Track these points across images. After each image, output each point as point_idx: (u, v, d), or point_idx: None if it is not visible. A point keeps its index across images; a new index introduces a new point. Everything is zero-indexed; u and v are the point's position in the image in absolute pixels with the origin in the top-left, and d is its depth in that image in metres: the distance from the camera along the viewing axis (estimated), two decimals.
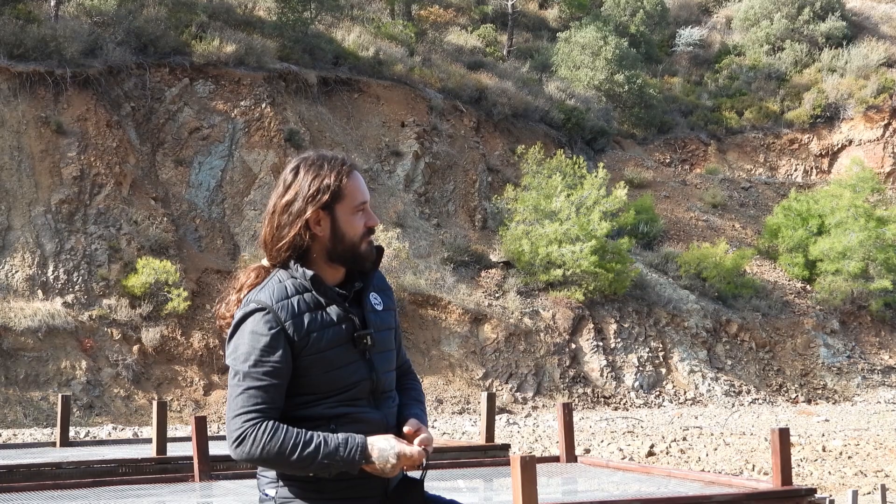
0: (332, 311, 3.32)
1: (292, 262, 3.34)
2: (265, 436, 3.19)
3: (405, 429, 3.36)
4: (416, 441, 3.32)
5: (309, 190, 3.32)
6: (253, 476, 9.31)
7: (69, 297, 26.82)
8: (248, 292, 3.36)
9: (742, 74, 44.78)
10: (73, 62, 29.49)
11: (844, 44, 45.19)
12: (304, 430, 3.22)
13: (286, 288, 3.30)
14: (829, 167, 41.71)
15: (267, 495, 3.35)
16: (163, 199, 29.80)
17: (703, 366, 31.26)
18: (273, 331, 3.24)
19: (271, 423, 3.21)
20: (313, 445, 3.19)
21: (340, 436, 3.23)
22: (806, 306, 34.65)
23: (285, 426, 3.22)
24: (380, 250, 3.44)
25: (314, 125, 32.83)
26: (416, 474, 3.38)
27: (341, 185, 3.33)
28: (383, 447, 3.24)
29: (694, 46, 46.94)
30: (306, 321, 3.27)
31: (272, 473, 3.34)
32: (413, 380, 3.61)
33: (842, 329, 34.40)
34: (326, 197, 3.31)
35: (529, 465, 4.26)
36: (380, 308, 3.45)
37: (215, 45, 31.76)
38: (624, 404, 29.28)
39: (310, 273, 3.31)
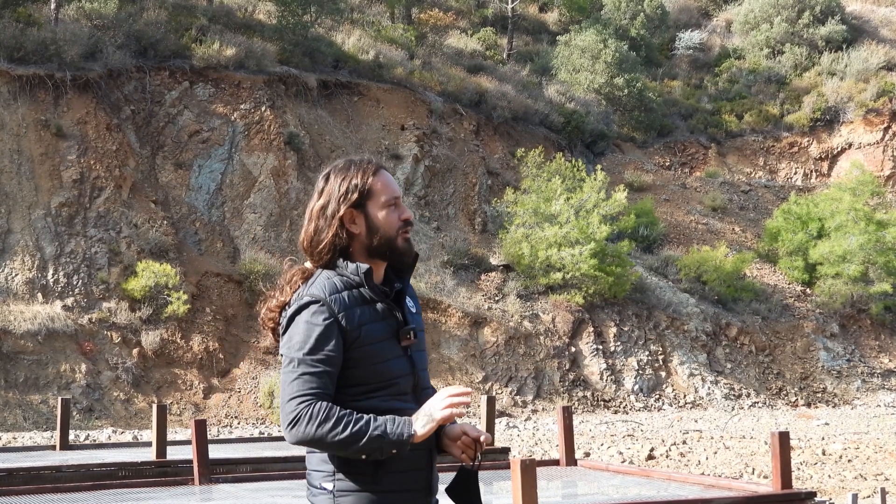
0: (378, 306, 3.53)
1: (340, 259, 3.55)
2: (319, 414, 3.36)
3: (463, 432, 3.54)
4: (472, 434, 3.51)
5: (339, 191, 3.54)
6: (253, 480, 9.34)
7: (69, 301, 26.81)
8: (293, 290, 3.55)
9: (742, 78, 44.81)
10: (73, 65, 29.49)
11: (844, 47, 45.22)
12: (355, 412, 3.40)
13: (336, 284, 3.50)
14: (828, 170, 41.72)
15: (324, 489, 3.50)
16: (163, 203, 29.80)
17: (703, 369, 31.26)
18: (327, 321, 3.43)
19: (324, 403, 3.39)
20: (364, 421, 3.37)
21: (388, 416, 3.41)
22: (806, 310, 34.65)
23: (338, 407, 3.40)
24: (415, 255, 3.65)
25: (314, 128, 32.85)
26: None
27: (369, 182, 3.55)
28: (424, 406, 3.45)
29: (694, 50, 46.96)
30: (357, 314, 3.47)
31: (329, 467, 3.48)
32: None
33: (842, 332, 34.40)
34: (356, 195, 3.54)
35: (529, 469, 4.26)
36: (414, 311, 3.67)
37: (215, 49, 31.77)
38: (624, 408, 29.27)
39: (365, 266, 3.52)
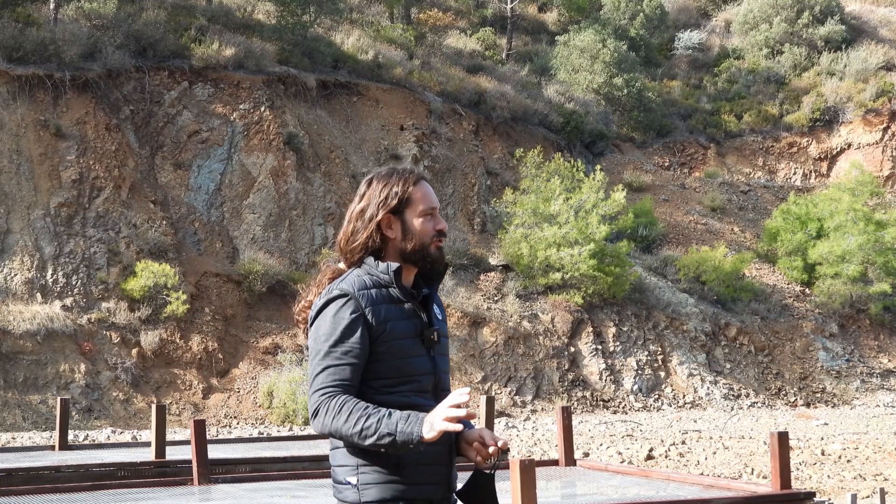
0: (405, 306, 3.69)
1: (370, 258, 3.71)
2: (336, 407, 3.51)
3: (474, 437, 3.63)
4: (489, 441, 3.58)
5: (380, 197, 3.73)
6: (252, 480, 9.34)
7: (68, 301, 26.81)
8: (326, 286, 3.72)
9: (741, 78, 44.80)
10: (73, 65, 29.48)
11: (843, 47, 45.23)
12: (372, 405, 3.53)
13: (365, 281, 3.66)
14: (828, 171, 41.73)
15: (349, 483, 3.63)
16: (162, 203, 29.80)
17: (702, 369, 31.26)
18: (354, 315, 3.59)
19: (344, 396, 3.53)
20: (377, 417, 3.48)
21: (405, 412, 3.50)
22: (805, 310, 34.65)
23: (356, 400, 3.53)
24: (445, 265, 3.82)
25: (313, 128, 32.84)
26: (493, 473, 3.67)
27: (408, 191, 3.73)
28: (434, 409, 3.51)
29: (693, 50, 46.96)
30: (383, 311, 3.63)
31: (353, 461, 3.61)
32: None
33: (841, 333, 34.40)
34: (395, 202, 3.72)
35: (528, 469, 4.25)
36: (440, 318, 3.82)
37: (214, 49, 31.75)
38: (623, 408, 29.27)
39: (395, 265, 3.68)
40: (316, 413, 3.54)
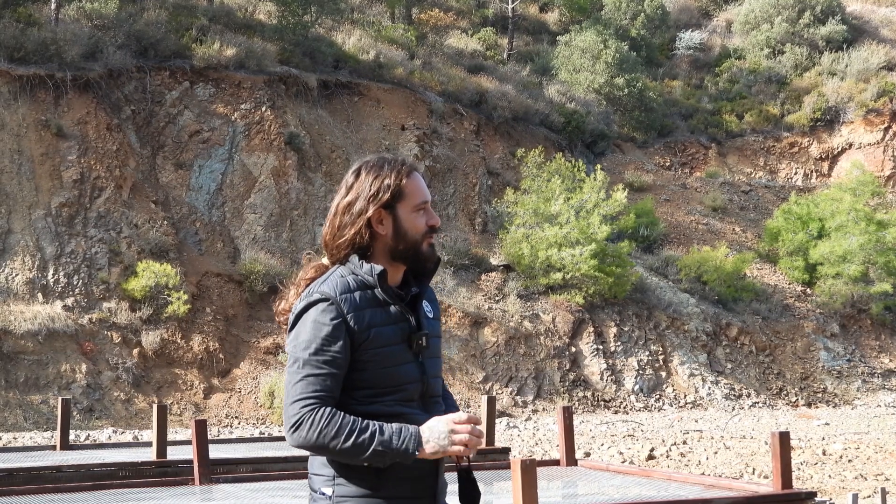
0: (392, 309, 3.43)
1: (354, 257, 3.45)
2: (322, 421, 3.27)
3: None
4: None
5: (370, 190, 3.45)
6: (253, 480, 9.33)
7: (69, 301, 26.81)
8: (305, 286, 3.47)
9: (742, 78, 44.80)
10: (74, 65, 29.49)
11: (845, 47, 45.22)
12: (360, 419, 3.29)
13: (349, 283, 3.40)
14: (829, 171, 41.72)
15: (323, 494, 3.40)
16: (163, 203, 29.80)
17: (704, 369, 31.25)
18: (335, 321, 3.33)
19: (328, 409, 3.29)
20: (368, 432, 3.26)
21: (395, 425, 3.30)
22: (806, 310, 34.64)
23: (342, 413, 3.29)
24: (437, 260, 3.56)
25: (314, 128, 32.84)
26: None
27: (401, 184, 3.46)
28: (433, 425, 3.32)
29: (694, 50, 46.96)
30: (367, 316, 3.37)
31: (329, 471, 3.39)
32: (448, 395, 3.69)
33: (842, 332, 34.39)
34: (387, 196, 3.44)
35: (530, 469, 4.25)
36: (431, 316, 3.56)
37: (216, 49, 31.76)
38: (624, 408, 29.26)
39: (379, 268, 3.41)
40: (297, 425, 3.27)
